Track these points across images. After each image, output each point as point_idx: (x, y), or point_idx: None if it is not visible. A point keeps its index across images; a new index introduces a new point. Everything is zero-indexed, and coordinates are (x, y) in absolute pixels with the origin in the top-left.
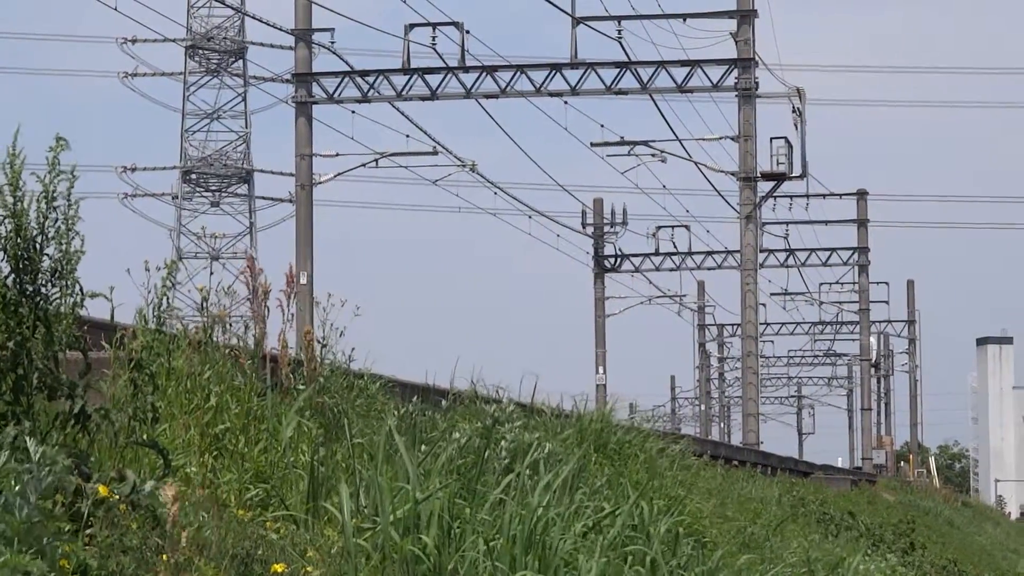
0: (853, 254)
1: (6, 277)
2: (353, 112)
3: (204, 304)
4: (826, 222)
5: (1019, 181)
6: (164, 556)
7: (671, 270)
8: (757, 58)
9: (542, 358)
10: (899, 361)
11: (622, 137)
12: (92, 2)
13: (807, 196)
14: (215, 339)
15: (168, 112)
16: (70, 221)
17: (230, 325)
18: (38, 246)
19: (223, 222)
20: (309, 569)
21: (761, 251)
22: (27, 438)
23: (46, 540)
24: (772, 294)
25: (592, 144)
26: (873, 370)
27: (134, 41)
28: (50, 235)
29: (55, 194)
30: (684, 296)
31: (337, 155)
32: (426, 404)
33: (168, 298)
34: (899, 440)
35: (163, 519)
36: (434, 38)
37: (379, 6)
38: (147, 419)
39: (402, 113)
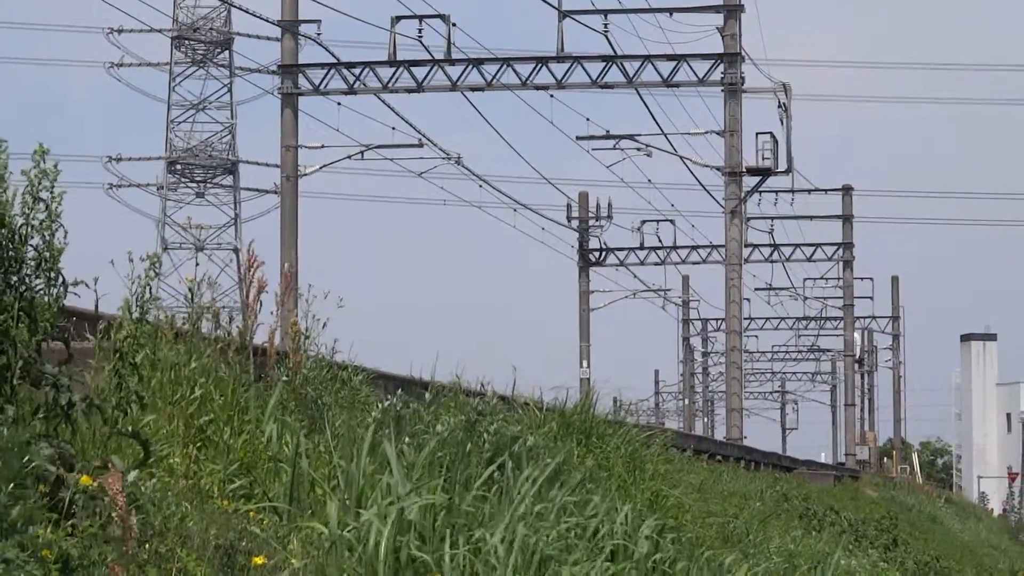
0: (838, 250)
1: None
2: (339, 104)
3: (191, 295)
4: (811, 217)
5: (1003, 177)
6: (147, 545)
7: (656, 264)
8: (743, 53)
9: (526, 351)
10: (883, 357)
11: (608, 131)
12: None
13: (792, 191)
14: (200, 330)
15: (154, 102)
16: (54, 213)
17: (215, 316)
18: (22, 237)
19: (208, 213)
20: (292, 561)
21: (746, 246)
22: None
23: (20, 524)
24: (756, 289)
25: (578, 138)
26: (857, 366)
27: (120, 31)
28: (34, 226)
29: (39, 187)
30: (669, 290)
31: (323, 147)
32: (409, 396)
33: (151, 288)
34: (882, 436)
35: (146, 509)
36: (420, 30)
37: None
38: (130, 409)
39: (388, 105)
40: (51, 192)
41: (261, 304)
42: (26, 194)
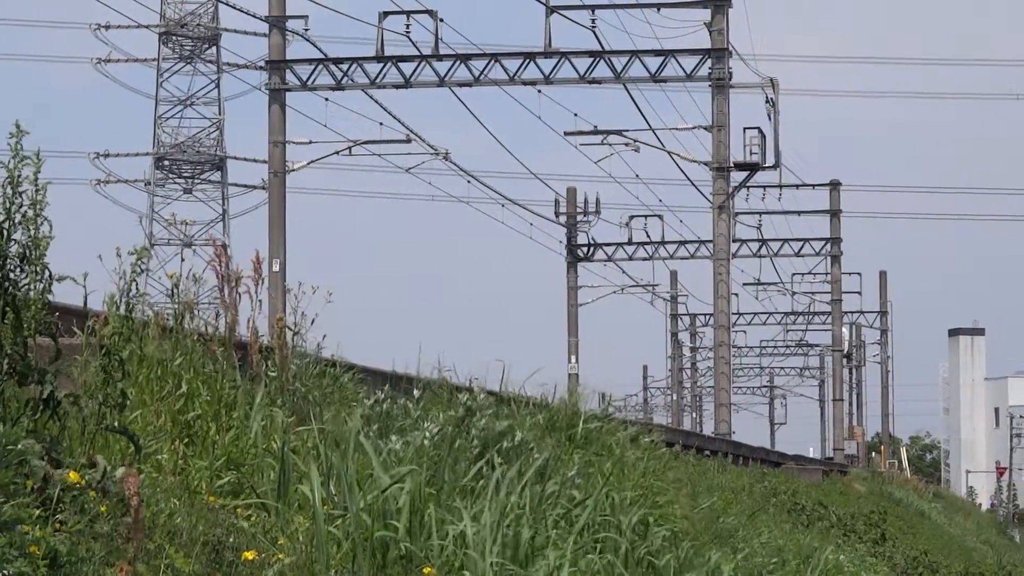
0: (826, 244)
1: None
2: (327, 100)
3: (175, 291)
4: (799, 212)
5: (991, 173)
6: (134, 543)
7: (644, 259)
8: (731, 48)
9: (515, 347)
10: (871, 352)
11: (596, 126)
12: None
13: (780, 186)
14: (186, 326)
15: (141, 98)
16: (37, 206)
17: (199, 312)
18: (5, 231)
19: (196, 209)
20: (280, 556)
21: (734, 241)
22: None
23: (10, 521)
24: (745, 284)
25: (566, 133)
26: (845, 360)
27: (107, 27)
28: (17, 220)
29: (20, 179)
30: (657, 285)
31: (311, 142)
32: (397, 392)
33: (138, 283)
34: (871, 431)
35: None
36: (408, 26)
37: None
38: (117, 406)
39: (376, 101)
40: (34, 184)
41: (240, 297)
42: (6, 186)
